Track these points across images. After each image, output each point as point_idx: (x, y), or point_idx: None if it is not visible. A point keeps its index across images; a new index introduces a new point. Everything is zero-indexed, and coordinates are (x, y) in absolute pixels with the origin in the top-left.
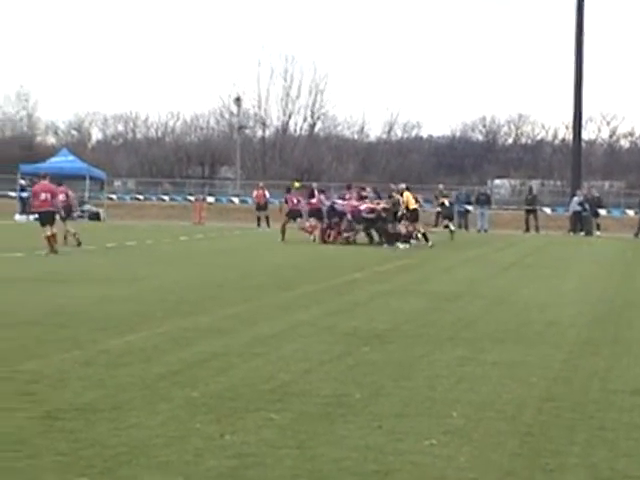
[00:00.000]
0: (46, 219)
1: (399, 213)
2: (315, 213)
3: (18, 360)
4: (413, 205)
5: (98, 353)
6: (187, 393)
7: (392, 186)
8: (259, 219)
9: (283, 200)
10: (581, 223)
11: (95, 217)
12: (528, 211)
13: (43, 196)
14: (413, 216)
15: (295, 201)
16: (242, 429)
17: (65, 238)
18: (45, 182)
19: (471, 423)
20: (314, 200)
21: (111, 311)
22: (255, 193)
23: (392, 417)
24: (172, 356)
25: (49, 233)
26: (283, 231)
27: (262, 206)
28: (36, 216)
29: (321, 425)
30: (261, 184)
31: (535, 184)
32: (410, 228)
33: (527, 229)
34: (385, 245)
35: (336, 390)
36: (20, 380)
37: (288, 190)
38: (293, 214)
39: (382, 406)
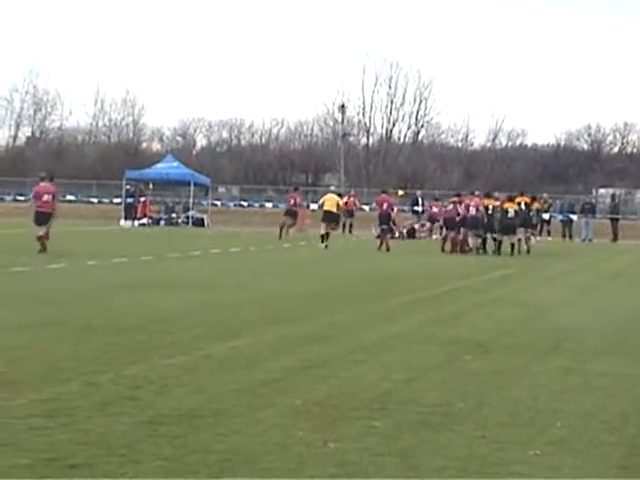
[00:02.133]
0: (43, 219)
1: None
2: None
3: (123, 365)
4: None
5: (201, 359)
6: (289, 400)
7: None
8: (344, 226)
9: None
10: None
11: (199, 223)
12: (611, 219)
13: (45, 197)
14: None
15: (292, 202)
16: (344, 437)
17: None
18: (46, 184)
19: (575, 434)
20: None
21: (214, 317)
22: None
23: (495, 427)
24: (274, 363)
25: (41, 233)
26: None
27: (348, 213)
28: (142, 221)
29: (424, 434)
30: (352, 192)
31: None
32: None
33: (614, 238)
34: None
35: (438, 399)
36: (125, 385)
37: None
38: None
39: (485, 415)
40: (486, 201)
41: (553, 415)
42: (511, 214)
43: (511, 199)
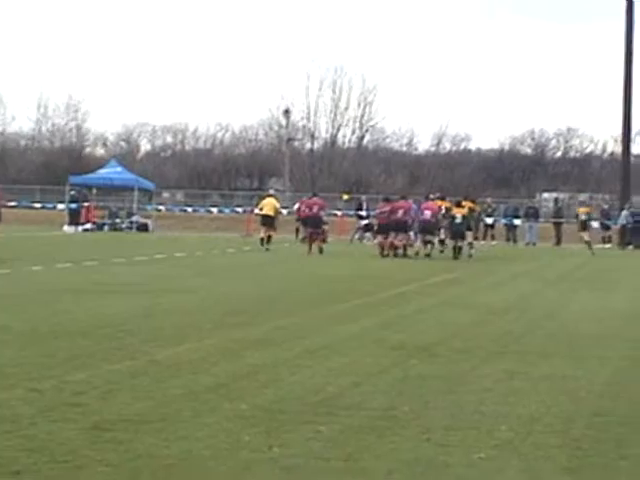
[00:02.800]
0: None
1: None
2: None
3: (68, 371)
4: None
5: (147, 364)
6: (235, 405)
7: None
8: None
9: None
10: (630, 237)
11: (143, 228)
12: (555, 223)
13: None
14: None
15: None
16: (290, 441)
17: None
18: None
19: (520, 437)
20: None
21: (160, 322)
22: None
23: (441, 430)
24: (221, 368)
25: None
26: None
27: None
28: (86, 227)
29: (369, 438)
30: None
31: (584, 197)
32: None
33: (558, 242)
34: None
35: (384, 403)
36: (69, 391)
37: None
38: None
39: (431, 419)
40: (440, 202)
41: (498, 418)
42: (459, 219)
43: (459, 204)
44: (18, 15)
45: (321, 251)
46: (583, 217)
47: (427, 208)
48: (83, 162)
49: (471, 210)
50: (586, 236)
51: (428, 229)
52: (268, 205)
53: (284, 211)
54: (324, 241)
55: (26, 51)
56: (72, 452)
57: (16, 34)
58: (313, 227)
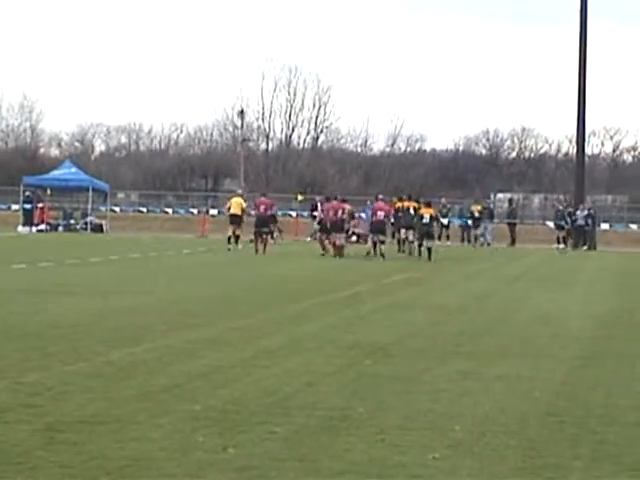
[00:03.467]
0: None
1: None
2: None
3: (21, 372)
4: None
5: (101, 365)
6: (190, 406)
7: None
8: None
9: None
10: (584, 237)
11: (98, 229)
12: (509, 224)
13: None
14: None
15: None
16: (245, 442)
17: None
18: None
19: (474, 437)
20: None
21: (114, 323)
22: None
23: (395, 430)
24: (175, 368)
25: None
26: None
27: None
28: (40, 228)
29: (324, 438)
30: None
31: (539, 198)
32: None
33: (512, 242)
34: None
35: (339, 403)
36: (23, 392)
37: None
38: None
39: (385, 419)
40: (399, 203)
41: (452, 419)
42: (426, 219)
43: (428, 205)
44: None
45: (263, 251)
46: (476, 215)
47: (380, 209)
48: (37, 163)
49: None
50: (478, 231)
51: (380, 229)
52: (235, 204)
53: None
54: (267, 241)
55: None
56: (26, 453)
57: None
58: (259, 227)
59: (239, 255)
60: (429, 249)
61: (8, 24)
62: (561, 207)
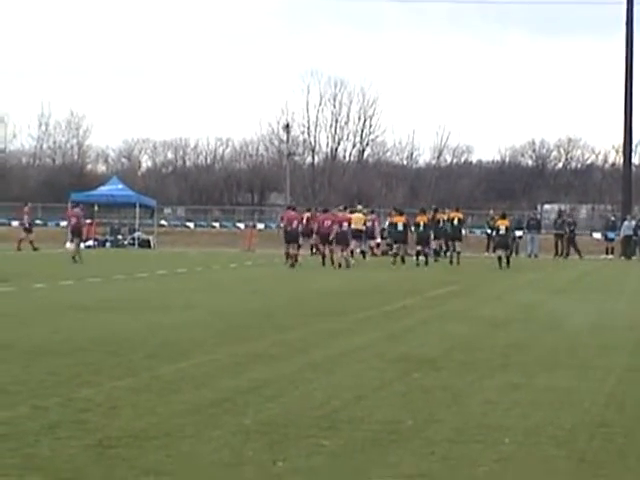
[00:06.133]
0: None
1: None
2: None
3: (71, 388)
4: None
5: (150, 380)
6: (239, 420)
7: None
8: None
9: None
10: (632, 248)
11: (145, 244)
12: (557, 235)
13: None
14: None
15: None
16: (293, 456)
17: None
18: None
19: (524, 449)
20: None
21: (163, 338)
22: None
23: (445, 443)
24: (223, 383)
25: None
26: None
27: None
28: (88, 244)
29: (373, 452)
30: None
31: (586, 208)
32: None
33: (556, 253)
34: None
35: (388, 416)
36: (73, 408)
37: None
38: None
39: (434, 432)
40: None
41: (502, 431)
42: (502, 230)
43: (504, 216)
44: (17, 31)
45: (293, 265)
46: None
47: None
48: (84, 179)
49: (438, 220)
50: (458, 247)
51: (343, 239)
52: (356, 219)
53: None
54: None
55: (27, 68)
56: (76, 470)
57: (16, 50)
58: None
59: (285, 269)
60: (507, 258)
61: (55, 41)
62: (613, 217)
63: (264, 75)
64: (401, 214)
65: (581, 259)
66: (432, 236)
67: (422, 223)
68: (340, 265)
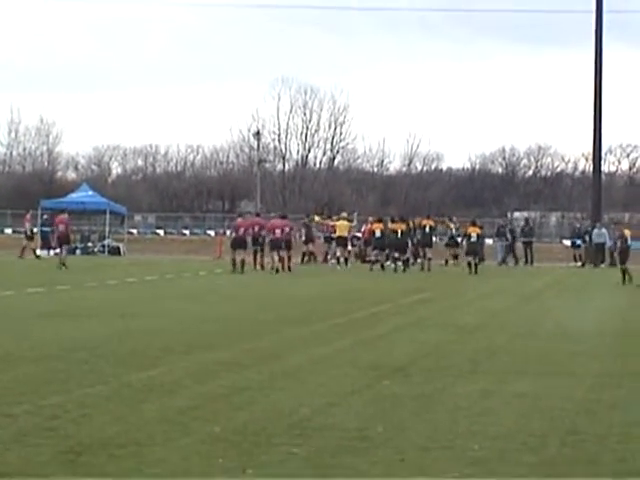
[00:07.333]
0: None
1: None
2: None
3: (40, 395)
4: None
5: (120, 387)
6: (209, 428)
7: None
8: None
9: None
10: (603, 255)
11: (115, 252)
12: (524, 243)
13: None
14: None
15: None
16: (264, 463)
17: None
18: None
19: (494, 456)
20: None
21: (132, 345)
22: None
23: (415, 450)
24: (193, 390)
25: None
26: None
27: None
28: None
29: (344, 459)
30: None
31: (556, 216)
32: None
33: (526, 261)
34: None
35: (358, 424)
36: (42, 415)
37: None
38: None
39: (404, 439)
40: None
41: (472, 438)
42: (474, 238)
43: (474, 223)
44: None
45: (289, 268)
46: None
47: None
48: (54, 186)
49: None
50: (429, 254)
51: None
52: (341, 227)
53: None
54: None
55: None
56: (46, 477)
57: None
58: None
59: (255, 276)
60: (476, 265)
61: (23, 48)
62: (578, 225)
63: (234, 82)
64: (379, 221)
65: (516, 266)
66: (409, 243)
67: (400, 230)
68: (277, 270)
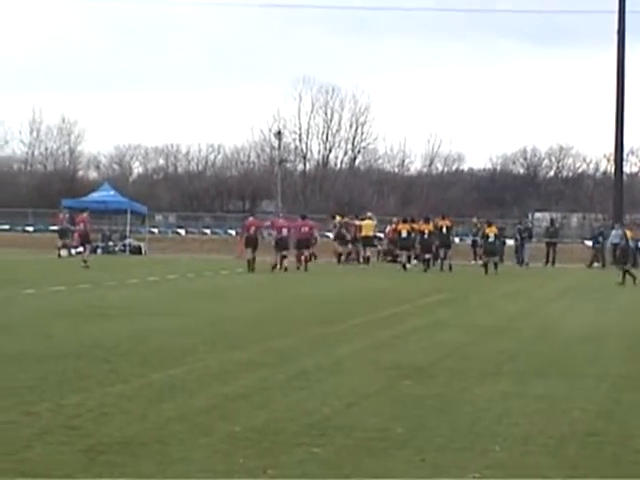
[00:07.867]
0: None
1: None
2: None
3: (61, 394)
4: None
5: (141, 387)
6: (230, 427)
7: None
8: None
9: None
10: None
11: (137, 251)
12: (548, 244)
13: None
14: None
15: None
16: (284, 463)
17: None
18: None
19: (514, 457)
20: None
21: (153, 345)
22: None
23: (435, 451)
24: (214, 390)
25: None
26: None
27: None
28: (79, 250)
29: (364, 459)
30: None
31: (577, 217)
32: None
33: (547, 262)
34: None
35: (378, 424)
36: (63, 414)
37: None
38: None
39: (425, 440)
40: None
41: (492, 439)
42: (491, 238)
43: (490, 224)
44: (9, 37)
45: (306, 268)
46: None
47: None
48: (76, 185)
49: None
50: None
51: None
52: (367, 226)
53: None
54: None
55: (19, 74)
56: (67, 476)
57: (7, 56)
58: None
59: (276, 276)
60: (495, 265)
61: (45, 47)
62: (598, 225)
63: (256, 82)
64: (405, 222)
65: (520, 267)
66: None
67: (427, 231)
68: (286, 269)
